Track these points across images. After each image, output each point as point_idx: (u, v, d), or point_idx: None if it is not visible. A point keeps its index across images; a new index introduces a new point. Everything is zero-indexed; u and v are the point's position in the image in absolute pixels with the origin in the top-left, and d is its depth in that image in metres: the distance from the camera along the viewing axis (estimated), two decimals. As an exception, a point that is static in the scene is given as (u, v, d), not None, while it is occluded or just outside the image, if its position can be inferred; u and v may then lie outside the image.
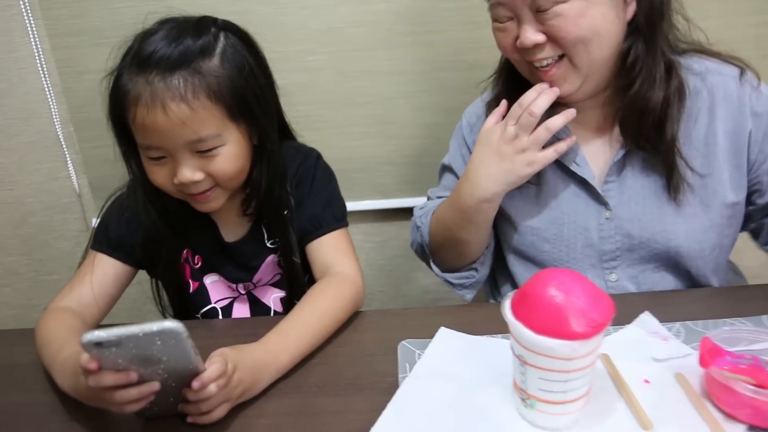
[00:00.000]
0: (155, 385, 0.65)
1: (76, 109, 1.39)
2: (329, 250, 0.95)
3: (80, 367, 0.64)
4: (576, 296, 0.62)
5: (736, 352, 0.72)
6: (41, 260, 1.56)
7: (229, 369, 0.68)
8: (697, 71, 0.91)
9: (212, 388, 0.66)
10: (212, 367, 0.66)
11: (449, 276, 1.03)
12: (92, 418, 0.74)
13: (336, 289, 0.89)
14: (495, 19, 0.88)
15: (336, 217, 0.97)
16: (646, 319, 0.84)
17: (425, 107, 1.39)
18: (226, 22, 0.88)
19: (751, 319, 0.83)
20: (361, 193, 1.42)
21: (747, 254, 1.09)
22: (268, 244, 0.98)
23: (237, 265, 0.98)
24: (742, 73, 0.91)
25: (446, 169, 1.09)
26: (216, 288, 1.00)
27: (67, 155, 1.43)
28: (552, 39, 0.84)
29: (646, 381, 0.73)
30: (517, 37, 0.85)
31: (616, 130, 0.92)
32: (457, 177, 1.03)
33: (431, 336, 0.84)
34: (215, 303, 1.00)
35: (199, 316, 1.01)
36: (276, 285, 1.02)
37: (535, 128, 0.89)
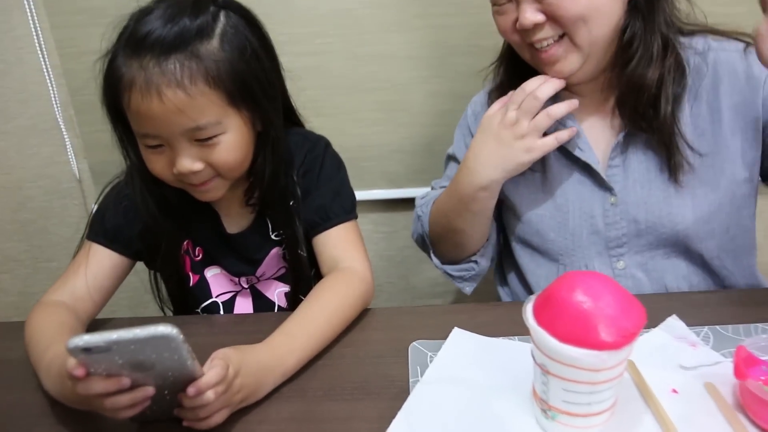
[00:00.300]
0: (149, 390, 0.61)
1: (76, 91, 1.36)
2: (337, 244, 0.91)
3: (66, 373, 0.59)
4: (605, 302, 0.57)
5: (773, 362, 0.67)
6: (40, 247, 1.54)
7: (230, 374, 0.64)
8: (699, 50, 0.90)
9: (210, 394, 0.62)
10: (211, 372, 0.62)
11: (449, 268, 1.01)
12: (84, 420, 0.70)
13: (345, 286, 0.85)
14: (494, 2, 0.87)
15: (345, 209, 0.93)
16: (673, 322, 0.80)
17: (438, 94, 1.35)
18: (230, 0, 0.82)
19: (786, 325, 0.78)
20: (370, 182, 1.39)
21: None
22: (273, 236, 0.94)
23: (240, 258, 0.94)
24: (747, 46, 0.89)
25: (450, 158, 1.08)
26: (217, 281, 0.96)
27: (67, 139, 1.40)
28: (551, 18, 0.83)
29: (675, 391, 0.69)
30: (516, 19, 0.84)
31: (618, 115, 0.92)
32: None
33: (444, 336, 0.80)
34: (216, 297, 0.96)
35: (199, 310, 0.97)
36: (280, 279, 0.98)
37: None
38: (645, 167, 0.91)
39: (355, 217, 0.95)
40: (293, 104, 0.96)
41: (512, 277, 1.07)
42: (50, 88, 1.35)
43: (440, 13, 1.28)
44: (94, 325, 0.88)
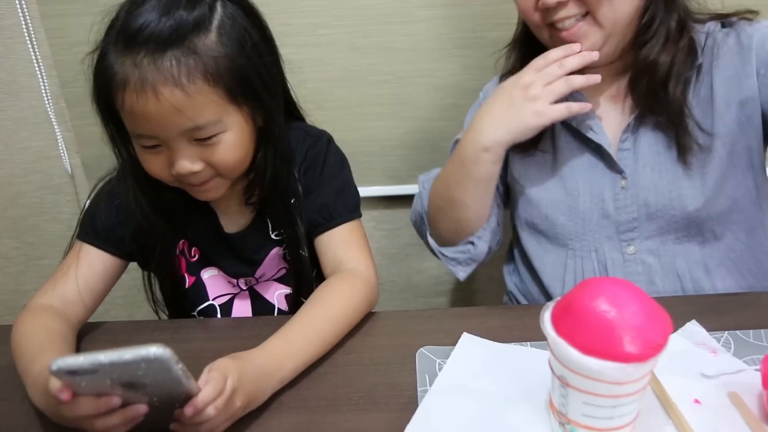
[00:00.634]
0: (142, 409, 0.57)
1: (67, 83, 1.31)
2: (340, 244, 0.87)
3: (51, 392, 0.56)
4: (631, 311, 0.54)
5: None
6: (32, 244, 1.50)
7: (228, 387, 0.60)
8: (708, 32, 0.90)
9: (210, 411, 0.58)
10: (207, 388, 0.58)
11: (444, 250, 0.98)
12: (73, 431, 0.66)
13: (348, 289, 0.81)
14: None
15: (348, 208, 0.89)
16: (693, 328, 0.77)
17: (443, 87, 1.32)
18: None
19: (810, 330, 0.75)
20: (372, 178, 1.36)
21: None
22: (273, 236, 0.90)
23: (238, 258, 0.91)
24: (744, 20, 0.90)
25: (457, 143, 1.04)
26: (214, 283, 0.92)
27: (59, 133, 1.36)
28: None
29: (697, 401, 0.66)
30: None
31: (629, 100, 0.91)
32: None
33: (452, 342, 0.77)
34: (213, 300, 0.93)
35: (195, 314, 0.93)
36: (280, 280, 0.94)
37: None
38: (655, 150, 0.90)
39: (359, 216, 0.91)
40: (294, 97, 0.93)
41: (519, 265, 1.06)
42: (40, 79, 1.31)
43: (444, 3, 1.25)
44: (86, 329, 0.84)
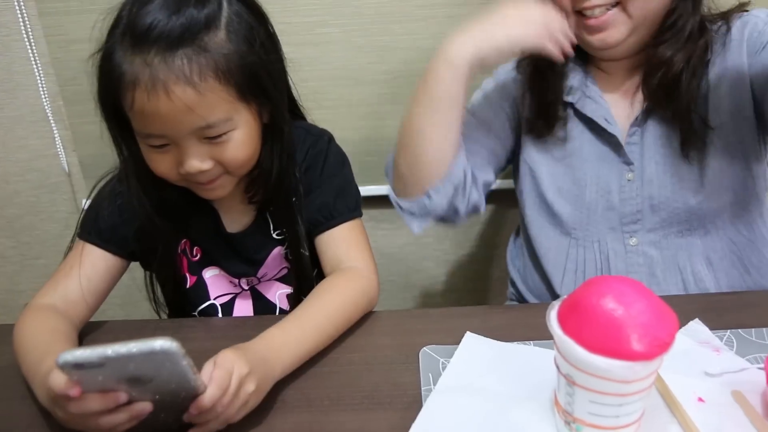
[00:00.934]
0: (147, 406, 0.57)
1: (65, 82, 1.30)
2: (341, 243, 0.87)
3: (56, 391, 0.55)
4: (637, 310, 0.54)
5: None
6: (28, 243, 1.49)
7: (234, 383, 0.60)
8: (716, 30, 0.91)
9: (217, 409, 0.59)
10: (212, 387, 0.58)
11: (402, 201, 0.94)
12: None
13: (346, 284, 0.82)
14: None
15: (349, 207, 0.89)
16: (696, 326, 0.77)
17: (442, 86, 1.30)
18: None
19: (811, 328, 0.76)
20: (371, 178, 1.35)
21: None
22: (274, 235, 0.90)
23: (240, 258, 0.90)
24: (736, 13, 0.91)
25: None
26: (216, 283, 0.92)
27: (56, 131, 1.35)
28: None
29: (701, 400, 0.66)
30: None
31: (639, 95, 0.93)
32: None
33: (455, 341, 0.76)
34: (214, 299, 0.92)
35: (196, 313, 0.93)
36: (282, 280, 0.94)
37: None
38: (660, 143, 0.92)
39: (360, 216, 0.91)
40: (296, 96, 0.92)
41: (523, 249, 1.07)
42: (38, 78, 1.29)
43: (444, 3, 1.24)
44: (87, 328, 0.84)
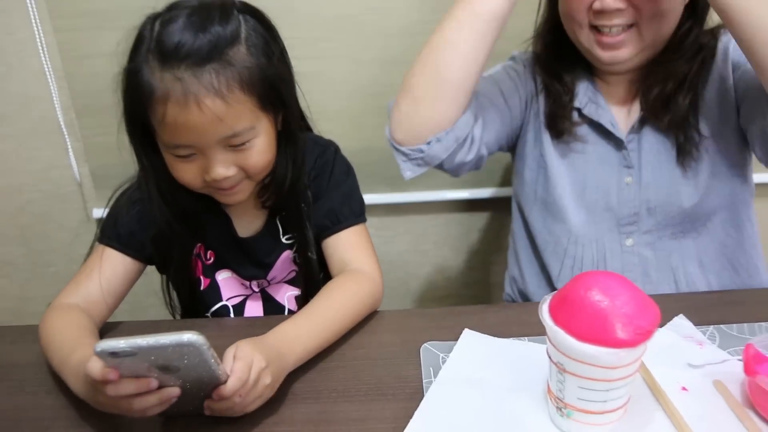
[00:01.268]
0: (175, 391, 0.62)
1: (78, 95, 1.34)
2: (347, 247, 0.92)
3: (93, 376, 0.60)
4: (622, 301, 0.59)
5: (779, 360, 0.69)
6: (39, 251, 1.52)
7: (253, 375, 0.65)
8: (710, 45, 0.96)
9: (236, 399, 0.64)
10: (233, 378, 0.63)
11: (400, 145, 0.93)
12: (99, 422, 0.71)
13: (353, 284, 0.86)
14: None
15: (354, 212, 0.94)
16: (680, 322, 0.82)
17: (440, 98, 1.34)
18: (243, 3, 0.82)
19: (789, 324, 0.80)
20: (372, 186, 1.39)
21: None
22: (284, 240, 0.94)
23: (251, 261, 0.94)
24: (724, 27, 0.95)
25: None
26: (228, 285, 0.96)
27: (68, 143, 1.39)
28: (634, 6, 0.87)
29: (684, 389, 0.70)
30: (593, 1, 0.88)
31: (636, 103, 0.98)
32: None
33: (454, 338, 0.81)
34: (227, 300, 0.96)
35: (209, 314, 0.97)
36: (291, 282, 0.98)
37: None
38: (656, 149, 0.96)
39: (365, 221, 0.96)
40: (303, 107, 0.97)
41: (520, 247, 1.11)
42: (52, 91, 1.33)
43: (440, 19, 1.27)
44: (105, 328, 0.88)
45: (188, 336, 0.57)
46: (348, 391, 0.74)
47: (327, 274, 0.96)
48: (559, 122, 0.99)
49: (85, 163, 1.41)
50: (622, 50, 0.90)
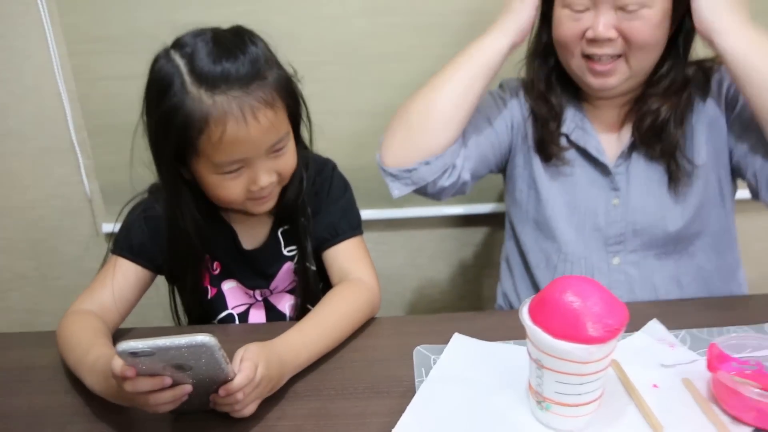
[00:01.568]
0: (188, 388, 0.68)
1: (90, 115, 1.40)
2: (346, 258, 0.97)
3: (115, 373, 0.66)
4: (592, 302, 0.65)
5: (741, 358, 0.75)
6: (49, 265, 1.57)
7: (258, 375, 0.71)
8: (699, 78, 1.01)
9: (239, 395, 0.69)
10: (240, 376, 0.69)
11: (389, 168, 1.01)
12: (115, 419, 0.76)
13: (353, 293, 0.92)
14: (568, 7, 0.94)
15: (352, 225, 1.00)
16: (654, 326, 0.87)
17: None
18: (241, 26, 0.87)
19: (754, 327, 0.86)
20: (369, 202, 1.42)
21: (748, 266, 1.12)
22: (286, 252, 1.00)
23: (255, 272, 1.00)
24: (716, 63, 1.00)
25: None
26: (233, 294, 1.02)
27: (81, 160, 1.44)
28: (623, 37, 0.92)
29: (655, 386, 0.76)
30: (586, 29, 0.93)
31: (625, 129, 1.02)
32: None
33: (445, 342, 0.86)
34: (232, 309, 1.02)
35: (215, 322, 1.02)
36: (292, 292, 1.04)
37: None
38: (645, 175, 1.01)
39: (361, 233, 1.01)
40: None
41: (514, 266, 1.15)
42: (66, 111, 1.39)
43: (438, 43, 1.33)
44: (117, 335, 0.92)
45: (201, 338, 0.63)
46: (346, 390, 0.79)
47: (326, 284, 1.01)
48: (548, 147, 1.04)
49: (95, 179, 1.46)
50: (611, 78, 0.95)
